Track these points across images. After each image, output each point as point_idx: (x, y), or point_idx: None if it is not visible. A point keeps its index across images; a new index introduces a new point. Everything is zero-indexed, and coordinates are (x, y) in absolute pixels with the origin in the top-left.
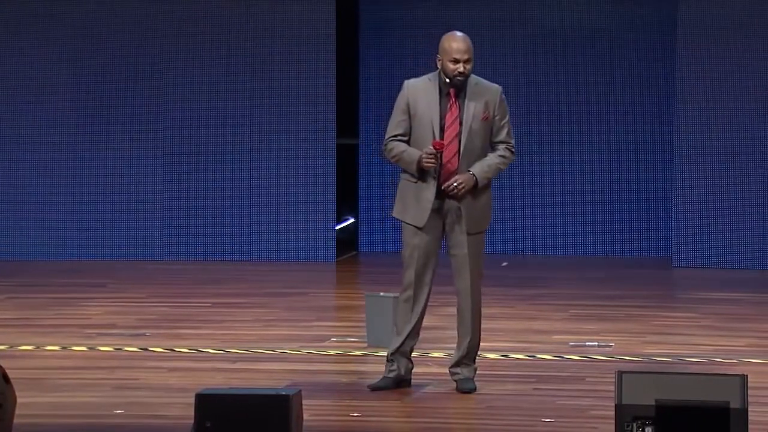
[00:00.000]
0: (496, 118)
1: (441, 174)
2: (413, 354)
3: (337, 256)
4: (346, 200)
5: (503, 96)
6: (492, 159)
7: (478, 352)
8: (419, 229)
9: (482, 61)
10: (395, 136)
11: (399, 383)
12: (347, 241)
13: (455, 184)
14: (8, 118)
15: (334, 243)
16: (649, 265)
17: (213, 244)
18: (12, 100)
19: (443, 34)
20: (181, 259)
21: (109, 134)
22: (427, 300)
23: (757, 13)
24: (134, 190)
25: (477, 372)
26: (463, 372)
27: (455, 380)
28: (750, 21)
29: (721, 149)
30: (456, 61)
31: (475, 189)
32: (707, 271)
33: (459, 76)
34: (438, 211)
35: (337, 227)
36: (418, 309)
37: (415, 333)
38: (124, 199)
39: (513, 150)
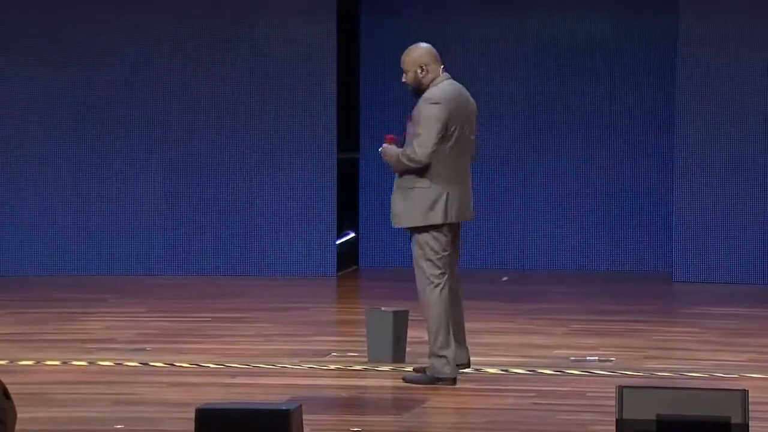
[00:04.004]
0: (416, 122)
1: None
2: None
3: (338, 271)
4: (347, 215)
5: (424, 103)
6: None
7: (435, 354)
8: None
9: (481, 74)
10: None
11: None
12: (348, 256)
13: (380, 149)
14: (9, 134)
15: (335, 257)
16: (649, 280)
17: (213, 259)
18: (13, 116)
19: (444, 48)
20: (182, 273)
21: (110, 149)
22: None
23: (758, 26)
24: (135, 205)
25: (432, 368)
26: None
27: None
28: (750, 34)
29: (721, 163)
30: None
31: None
32: (708, 285)
33: (406, 87)
34: None
35: (338, 242)
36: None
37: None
38: (124, 213)
39: (414, 151)
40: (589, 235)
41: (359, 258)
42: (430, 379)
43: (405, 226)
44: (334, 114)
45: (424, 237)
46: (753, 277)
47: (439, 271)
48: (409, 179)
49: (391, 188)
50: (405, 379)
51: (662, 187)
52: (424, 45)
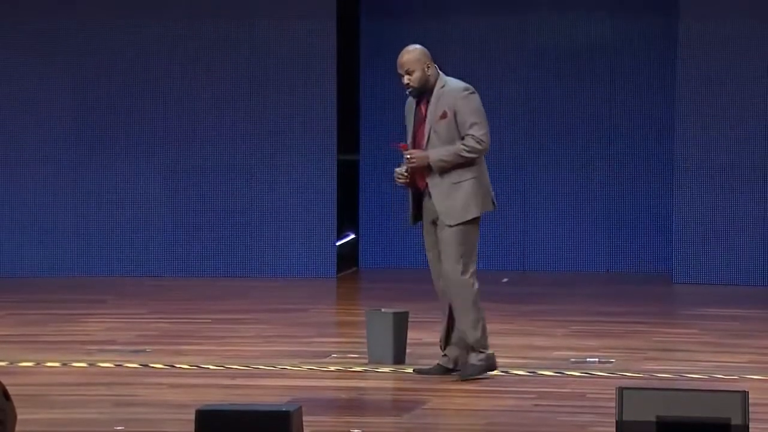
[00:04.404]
0: (458, 115)
1: (412, 173)
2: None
3: (338, 272)
4: (347, 216)
5: (465, 93)
6: (453, 146)
7: (476, 344)
8: (422, 229)
9: (481, 76)
10: None
11: (445, 372)
12: (348, 257)
13: (408, 156)
14: (9, 135)
15: (335, 259)
16: (649, 281)
17: (214, 260)
18: (13, 117)
19: (444, 50)
20: (182, 275)
21: (111, 151)
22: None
23: (758, 27)
24: (135, 206)
25: (479, 360)
26: (467, 357)
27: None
28: (750, 35)
29: (721, 165)
30: (401, 76)
31: (431, 170)
32: (708, 287)
33: (406, 88)
34: (427, 215)
35: (338, 243)
36: (445, 303)
37: (449, 325)
38: (124, 215)
39: (479, 140)
40: (590, 237)
41: (359, 259)
42: (484, 368)
43: (465, 219)
44: (334, 115)
45: (470, 229)
46: (753, 278)
47: (475, 266)
48: (455, 174)
49: (392, 189)
50: (463, 378)
51: (662, 189)
52: (417, 45)
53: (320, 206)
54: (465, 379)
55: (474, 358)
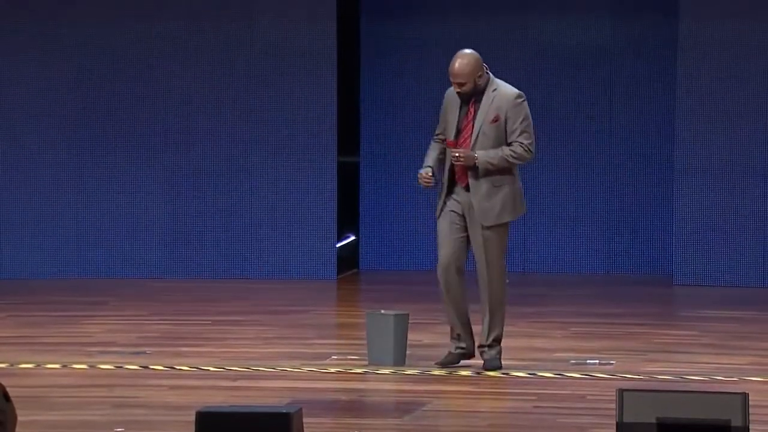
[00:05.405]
0: (509, 121)
1: (455, 171)
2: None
3: (338, 274)
4: (347, 218)
5: (518, 101)
6: (502, 150)
7: (500, 338)
8: (439, 218)
9: None
10: (436, 135)
11: (463, 358)
12: (348, 259)
13: (456, 154)
14: (9, 136)
15: (335, 261)
16: (650, 283)
17: (214, 262)
18: (12, 120)
19: (444, 51)
20: (182, 277)
21: (110, 152)
22: (459, 287)
23: (758, 29)
24: (135, 208)
25: (498, 353)
26: (488, 352)
27: (483, 358)
28: (750, 37)
29: (721, 166)
30: (452, 82)
31: (476, 170)
32: (708, 288)
33: (459, 94)
34: (456, 207)
35: (338, 245)
36: (455, 295)
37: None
38: (124, 216)
39: (528, 149)
40: (590, 239)
41: (359, 261)
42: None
43: (500, 222)
44: (334, 116)
45: (504, 231)
46: (753, 280)
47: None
48: (498, 177)
49: (392, 191)
50: (493, 369)
51: (663, 190)
52: (471, 54)
53: (320, 208)
54: (493, 370)
55: (496, 353)
